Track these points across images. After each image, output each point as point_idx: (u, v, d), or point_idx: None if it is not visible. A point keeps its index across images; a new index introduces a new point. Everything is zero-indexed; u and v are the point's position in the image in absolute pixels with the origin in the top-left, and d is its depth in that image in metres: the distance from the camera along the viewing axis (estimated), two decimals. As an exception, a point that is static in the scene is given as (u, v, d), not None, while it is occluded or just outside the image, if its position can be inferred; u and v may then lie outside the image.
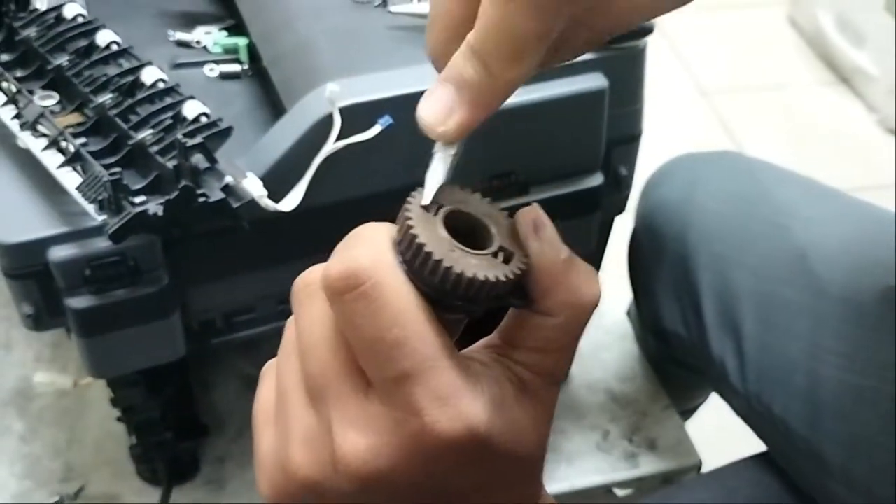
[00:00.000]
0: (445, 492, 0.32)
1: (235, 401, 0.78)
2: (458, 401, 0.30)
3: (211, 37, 0.68)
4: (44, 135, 0.56)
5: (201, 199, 0.50)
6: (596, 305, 0.33)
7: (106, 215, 0.50)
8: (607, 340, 0.85)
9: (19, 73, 0.61)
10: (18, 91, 0.59)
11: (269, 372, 0.35)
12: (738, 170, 0.77)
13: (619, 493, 0.75)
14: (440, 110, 0.34)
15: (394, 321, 0.30)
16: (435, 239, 0.31)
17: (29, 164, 0.57)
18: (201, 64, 0.67)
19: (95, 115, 0.57)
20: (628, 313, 0.87)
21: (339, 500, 0.31)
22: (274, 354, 0.35)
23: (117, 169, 0.51)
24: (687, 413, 0.91)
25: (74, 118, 0.58)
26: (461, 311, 0.32)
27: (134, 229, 0.49)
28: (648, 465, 0.75)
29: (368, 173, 0.59)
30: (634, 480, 0.75)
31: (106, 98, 0.57)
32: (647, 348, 0.84)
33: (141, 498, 0.72)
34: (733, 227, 0.73)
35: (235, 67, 0.67)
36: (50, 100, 0.59)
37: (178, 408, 0.70)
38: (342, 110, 0.54)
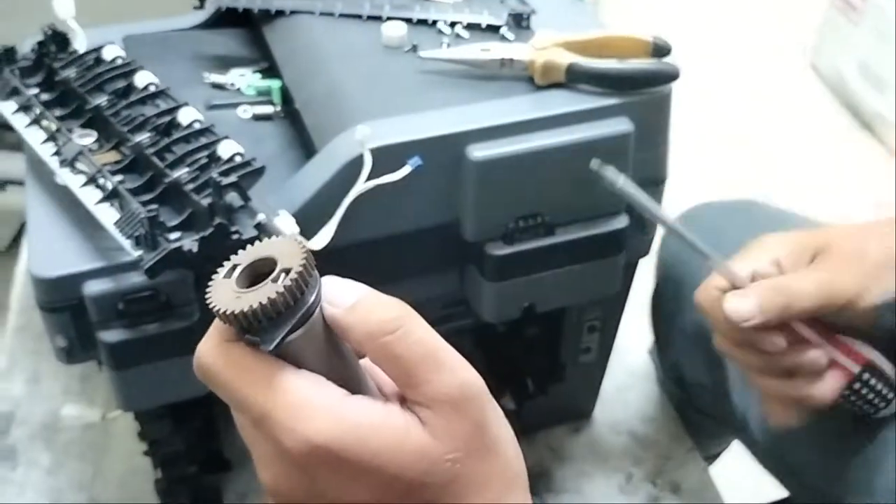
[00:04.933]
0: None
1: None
2: (295, 422, 0.34)
3: (245, 79, 0.70)
4: (82, 172, 0.58)
5: (235, 237, 0.51)
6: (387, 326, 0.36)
7: (142, 251, 0.51)
8: (630, 381, 0.85)
9: (59, 112, 0.63)
10: (58, 129, 0.61)
11: None
12: (761, 220, 0.78)
13: (642, 536, 0.75)
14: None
15: (227, 388, 0.35)
16: (222, 295, 0.35)
17: (66, 201, 0.59)
18: (235, 105, 0.69)
19: (132, 153, 0.59)
20: (650, 352, 0.87)
21: None
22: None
23: (154, 206, 0.52)
24: (710, 458, 0.91)
25: (112, 156, 0.60)
26: (269, 341, 0.35)
27: (169, 265, 0.51)
28: (671, 509, 0.75)
29: (397, 212, 0.60)
30: (657, 524, 0.74)
31: (143, 137, 0.59)
32: (668, 392, 0.84)
33: (165, 532, 0.72)
34: None
35: (268, 109, 0.68)
36: (88, 138, 0.61)
37: (203, 442, 0.70)
38: (373, 151, 0.56)
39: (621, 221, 0.65)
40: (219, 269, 0.36)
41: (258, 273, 0.35)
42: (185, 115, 0.60)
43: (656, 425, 0.81)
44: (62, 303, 0.55)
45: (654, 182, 0.66)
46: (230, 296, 0.34)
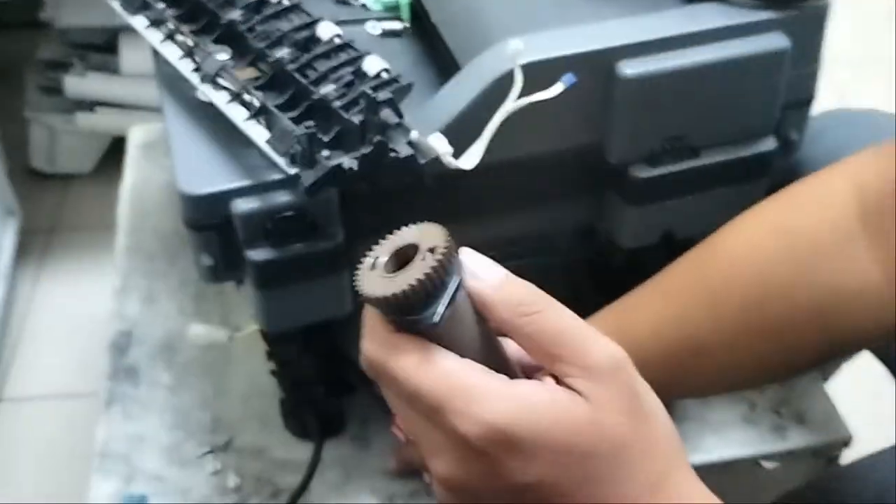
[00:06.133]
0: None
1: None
2: (471, 408, 0.34)
3: (372, -6, 0.68)
4: (225, 88, 0.57)
5: (392, 154, 0.50)
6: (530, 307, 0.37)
7: (297, 169, 0.50)
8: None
9: (189, 28, 0.62)
10: (195, 45, 0.59)
11: None
12: (888, 131, 0.74)
13: (767, 465, 0.74)
14: None
15: (400, 382, 0.36)
16: (374, 284, 0.36)
17: (207, 118, 0.58)
18: (362, 21, 0.67)
19: (271, 70, 0.57)
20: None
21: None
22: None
23: (310, 123, 0.51)
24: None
25: (250, 73, 0.59)
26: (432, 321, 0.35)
27: (329, 183, 0.50)
28: (797, 439, 0.74)
29: (541, 132, 0.58)
30: (783, 454, 0.73)
31: (283, 53, 0.57)
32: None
33: (289, 451, 0.73)
34: None
35: (397, 25, 0.66)
36: (223, 54, 0.60)
37: (330, 365, 0.70)
38: (523, 67, 0.54)
39: (768, 144, 0.62)
40: (359, 265, 0.37)
41: (401, 262, 0.36)
42: (325, 30, 0.58)
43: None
44: (210, 221, 0.55)
45: (804, 101, 0.63)
46: (383, 283, 0.35)
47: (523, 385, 0.36)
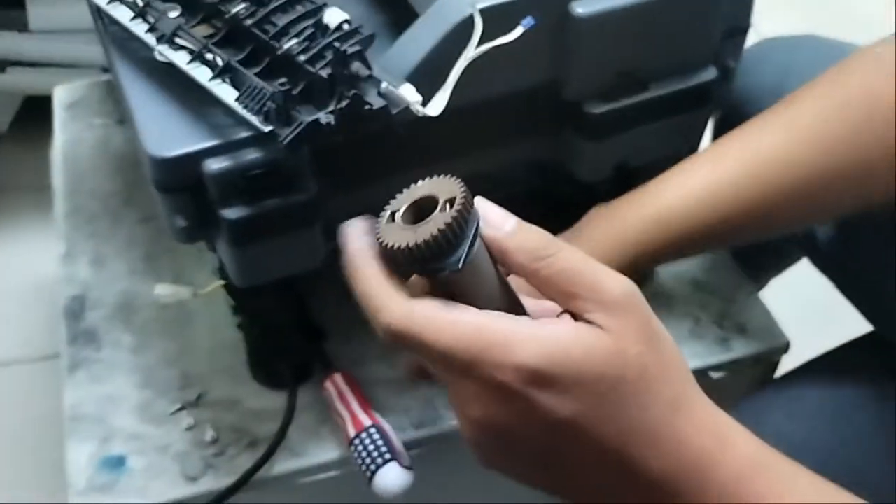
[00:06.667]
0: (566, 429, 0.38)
1: (337, 307, 0.79)
2: (506, 356, 0.36)
3: (316, -58, 0.67)
4: (184, 48, 0.56)
5: (367, 107, 0.51)
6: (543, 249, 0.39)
7: (272, 126, 0.51)
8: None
9: (136, -14, 0.61)
10: (146, 4, 0.58)
11: None
12: (829, 55, 0.78)
13: (714, 375, 0.78)
14: None
15: (430, 346, 0.38)
16: (396, 236, 0.38)
17: (164, 78, 0.58)
18: (307, -29, 0.66)
19: (226, 26, 0.57)
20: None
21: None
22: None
23: (283, 80, 0.51)
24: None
25: (203, 30, 0.58)
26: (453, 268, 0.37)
27: (306, 139, 0.50)
28: (740, 348, 0.79)
29: (500, 74, 0.59)
30: (728, 363, 0.78)
31: (238, 8, 0.57)
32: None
33: (261, 401, 0.74)
34: None
35: (343, -26, 0.66)
36: (174, 12, 0.59)
37: (295, 312, 0.72)
38: (482, 12, 0.55)
39: (710, 73, 0.65)
40: (379, 218, 0.39)
41: (418, 215, 0.38)
42: (279, -17, 0.58)
43: (717, 274, 0.84)
44: (182, 182, 0.55)
45: (740, 30, 0.66)
46: (405, 234, 0.37)
47: (549, 325, 0.38)
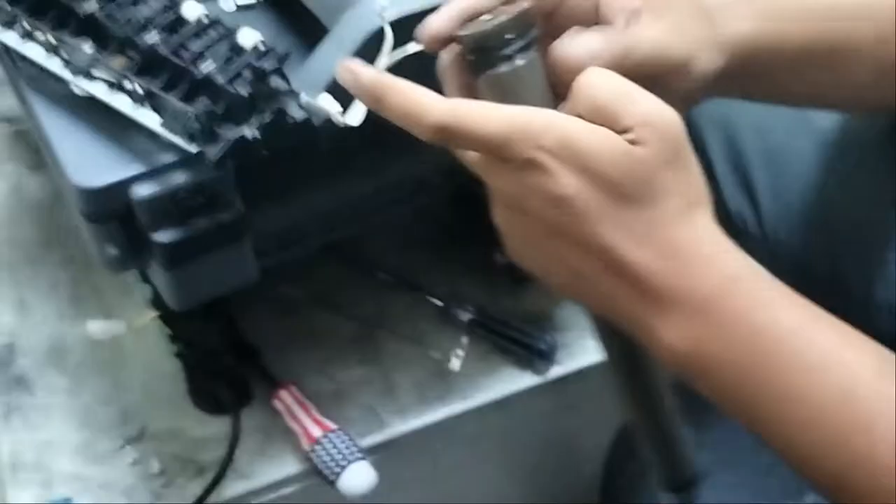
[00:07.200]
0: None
1: (270, 322, 0.79)
2: (549, 128, 0.40)
3: (220, -30, 0.69)
4: (101, 79, 0.57)
5: (290, 120, 0.52)
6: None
7: (199, 146, 0.52)
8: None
9: (45, 25, 0.61)
10: (59, 40, 0.59)
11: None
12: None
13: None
14: None
15: (470, 135, 0.41)
16: (471, 27, 0.43)
17: (86, 111, 0.58)
18: (214, -1, 0.68)
19: (141, 56, 0.58)
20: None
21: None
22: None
23: (205, 100, 0.52)
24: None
25: (119, 61, 0.59)
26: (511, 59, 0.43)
27: (233, 155, 0.52)
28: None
29: (419, 78, 0.61)
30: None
31: (152, 37, 0.58)
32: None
33: (205, 428, 0.74)
34: None
35: (250, -1, 0.68)
36: (87, 46, 0.60)
37: (230, 334, 0.72)
38: (392, 24, 0.57)
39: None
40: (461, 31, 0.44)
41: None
42: (191, 10, 0.59)
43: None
44: (111, 211, 0.55)
45: None
46: (481, 24, 0.43)
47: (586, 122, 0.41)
